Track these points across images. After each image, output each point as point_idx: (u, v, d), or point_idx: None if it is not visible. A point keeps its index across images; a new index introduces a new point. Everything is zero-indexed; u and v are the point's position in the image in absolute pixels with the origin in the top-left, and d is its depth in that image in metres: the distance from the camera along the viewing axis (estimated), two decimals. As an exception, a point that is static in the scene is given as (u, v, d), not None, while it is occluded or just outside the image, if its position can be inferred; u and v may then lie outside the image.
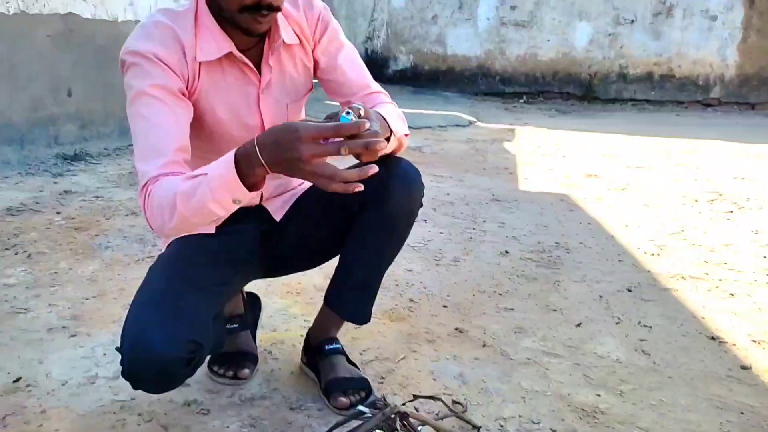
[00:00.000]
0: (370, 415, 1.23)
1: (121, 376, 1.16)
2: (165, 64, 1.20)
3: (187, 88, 1.25)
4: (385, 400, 1.35)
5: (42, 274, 2.20)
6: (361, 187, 0.98)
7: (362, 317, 1.51)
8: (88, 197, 3.16)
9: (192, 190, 1.06)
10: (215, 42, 1.25)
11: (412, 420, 1.21)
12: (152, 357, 1.11)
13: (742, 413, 1.45)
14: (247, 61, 1.29)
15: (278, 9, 1.20)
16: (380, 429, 1.21)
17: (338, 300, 1.51)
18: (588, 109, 7.46)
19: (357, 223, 1.40)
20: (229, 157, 1.03)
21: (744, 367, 1.65)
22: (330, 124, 0.98)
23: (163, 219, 1.10)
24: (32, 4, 3.59)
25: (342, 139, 0.96)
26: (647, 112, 7.35)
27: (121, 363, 1.14)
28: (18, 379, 1.55)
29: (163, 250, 1.40)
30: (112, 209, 2.97)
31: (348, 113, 1.00)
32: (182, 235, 1.27)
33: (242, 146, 1.04)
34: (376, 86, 1.42)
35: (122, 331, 1.16)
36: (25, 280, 2.15)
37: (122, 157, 4.08)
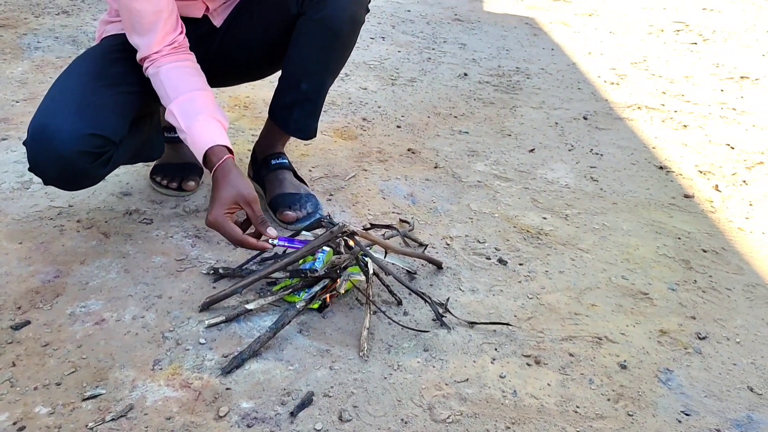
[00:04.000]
0: (312, 238, 1.22)
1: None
2: None
3: None
4: (331, 218, 1.33)
5: (-35, 75, 2.03)
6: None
7: (306, 132, 1.45)
8: (13, -8, 2.85)
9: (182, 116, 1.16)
10: None
11: (358, 239, 1.20)
12: (53, 150, 1.06)
13: (679, 238, 1.50)
14: None
15: None
16: (328, 247, 1.20)
17: (281, 113, 1.43)
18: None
19: (296, 28, 1.30)
20: (202, 148, 1.15)
21: (687, 196, 1.69)
22: (236, 233, 1.14)
23: None
24: None
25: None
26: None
27: (27, 156, 1.10)
28: (-55, 183, 1.47)
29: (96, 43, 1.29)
30: (41, 6, 2.70)
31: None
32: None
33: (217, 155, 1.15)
34: None
35: (30, 124, 1.09)
36: (-54, 80, 1.98)
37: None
